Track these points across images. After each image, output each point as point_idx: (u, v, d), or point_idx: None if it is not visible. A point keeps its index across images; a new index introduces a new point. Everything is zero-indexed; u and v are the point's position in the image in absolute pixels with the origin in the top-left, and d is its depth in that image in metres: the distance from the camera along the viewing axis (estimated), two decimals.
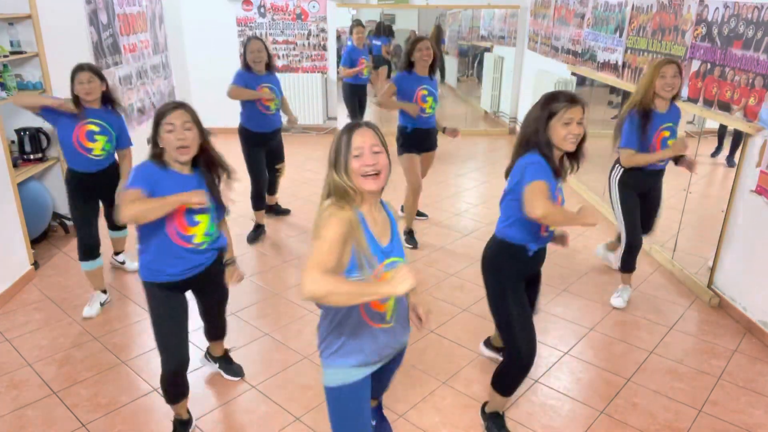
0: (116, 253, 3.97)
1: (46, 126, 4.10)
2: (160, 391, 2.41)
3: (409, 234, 4.47)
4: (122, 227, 3.84)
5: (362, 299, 1.54)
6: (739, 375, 2.91)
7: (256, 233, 4.50)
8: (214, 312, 2.63)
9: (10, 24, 3.88)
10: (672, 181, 4.36)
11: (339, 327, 1.73)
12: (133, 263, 3.92)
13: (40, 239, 4.30)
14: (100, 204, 3.50)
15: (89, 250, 3.36)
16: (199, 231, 2.22)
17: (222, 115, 5.47)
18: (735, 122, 3.41)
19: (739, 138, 4.97)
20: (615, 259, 3.88)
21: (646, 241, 4.17)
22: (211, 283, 2.44)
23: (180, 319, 2.31)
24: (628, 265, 3.55)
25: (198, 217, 2.20)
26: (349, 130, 1.67)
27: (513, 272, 2.30)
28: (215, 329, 2.72)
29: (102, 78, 3.24)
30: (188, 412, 2.48)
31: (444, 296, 3.64)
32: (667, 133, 3.25)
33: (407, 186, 4.29)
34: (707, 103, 3.68)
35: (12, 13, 3.82)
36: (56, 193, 4.34)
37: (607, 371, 2.92)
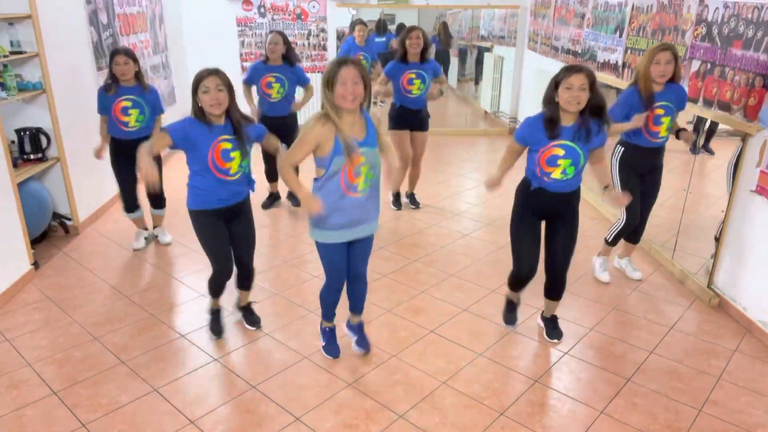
0: (154, 227, 4.45)
1: (46, 126, 4.13)
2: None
3: (395, 197, 5.18)
4: (161, 206, 4.32)
5: (294, 188, 2.53)
6: (739, 375, 2.91)
7: (270, 200, 5.17)
8: (244, 248, 3.02)
9: (10, 24, 3.88)
10: (672, 181, 4.37)
11: (321, 192, 2.49)
12: (165, 236, 4.43)
13: (40, 239, 4.30)
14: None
15: (131, 206, 4.19)
16: (234, 164, 2.75)
17: None
18: (735, 122, 3.41)
19: (714, 126, 5.16)
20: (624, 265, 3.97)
21: (646, 241, 4.18)
22: (243, 217, 2.96)
23: (222, 240, 2.89)
24: (616, 241, 3.75)
25: (233, 154, 2.74)
26: (339, 64, 2.37)
27: (521, 201, 2.88)
28: (243, 274, 3.12)
29: (135, 60, 3.86)
30: (218, 304, 3.23)
31: (444, 296, 3.64)
32: (661, 111, 3.35)
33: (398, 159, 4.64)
34: (707, 104, 3.68)
35: (12, 13, 3.82)
36: (56, 193, 4.35)
37: (607, 371, 2.92)
